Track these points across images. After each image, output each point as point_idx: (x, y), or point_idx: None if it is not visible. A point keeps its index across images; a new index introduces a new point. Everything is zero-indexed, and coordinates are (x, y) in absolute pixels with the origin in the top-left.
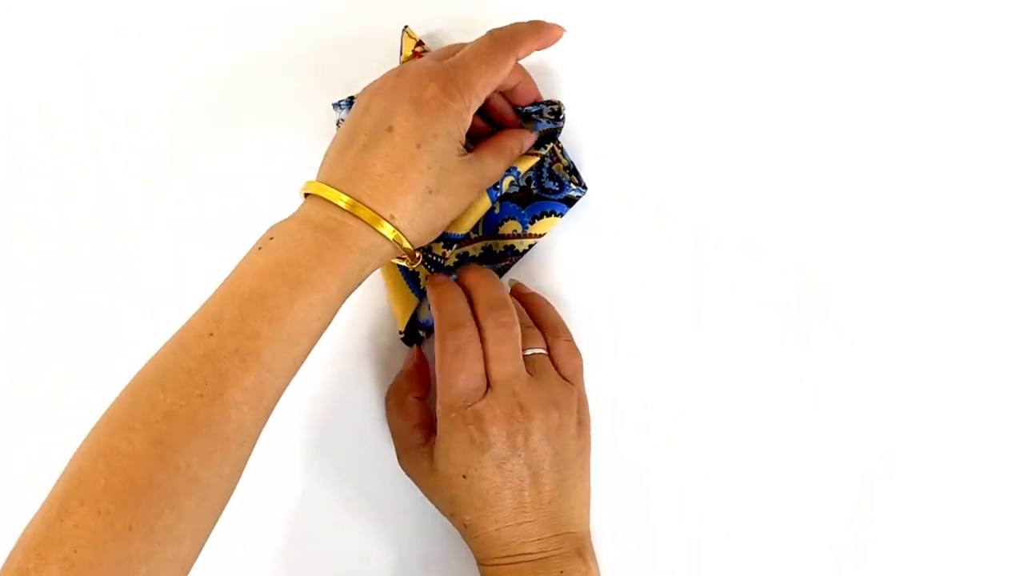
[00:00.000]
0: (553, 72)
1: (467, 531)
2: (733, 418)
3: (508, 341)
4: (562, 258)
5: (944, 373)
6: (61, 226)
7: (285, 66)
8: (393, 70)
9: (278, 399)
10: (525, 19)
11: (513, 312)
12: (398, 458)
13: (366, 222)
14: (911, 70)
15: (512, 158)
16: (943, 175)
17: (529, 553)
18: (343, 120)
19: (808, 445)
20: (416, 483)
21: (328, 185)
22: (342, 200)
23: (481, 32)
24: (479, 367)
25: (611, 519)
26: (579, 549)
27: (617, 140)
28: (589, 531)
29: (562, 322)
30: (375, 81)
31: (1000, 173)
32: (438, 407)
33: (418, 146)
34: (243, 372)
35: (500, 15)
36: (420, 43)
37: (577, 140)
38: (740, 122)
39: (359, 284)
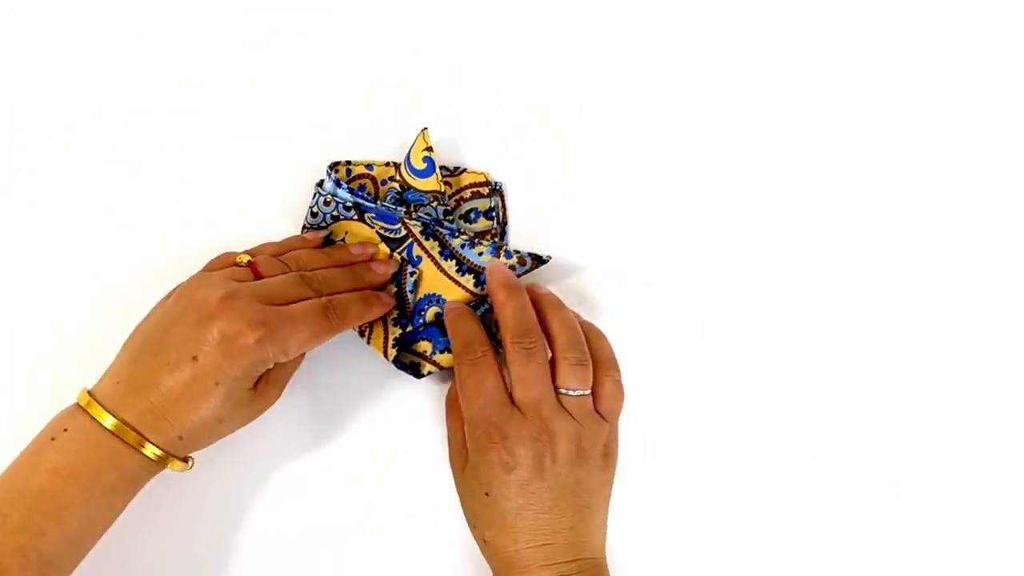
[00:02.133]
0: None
1: (486, 547)
2: (739, 438)
3: (532, 364)
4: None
5: (949, 389)
6: (61, 226)
7: (286, 65)
8: (224, 287)
9: None
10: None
11: (541, 337)
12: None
13: (131, 445)
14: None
15: (334, 319)
16: (938, 216)
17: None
18: (313, 208)
19: (814, 460)
20: (455, 487)
21: (105, 401)
22: (108, 421)
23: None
24: (496, 381)
25: (626, 543)
26: (596, 573)
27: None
28: (605, 557)
29: (614, 359)
30: (201, 286)
31: (999, 174)
32: (465, 425)
33: (216, 384)
34: (24, 569)
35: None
36: (430, 149)
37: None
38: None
39: (151, 478)
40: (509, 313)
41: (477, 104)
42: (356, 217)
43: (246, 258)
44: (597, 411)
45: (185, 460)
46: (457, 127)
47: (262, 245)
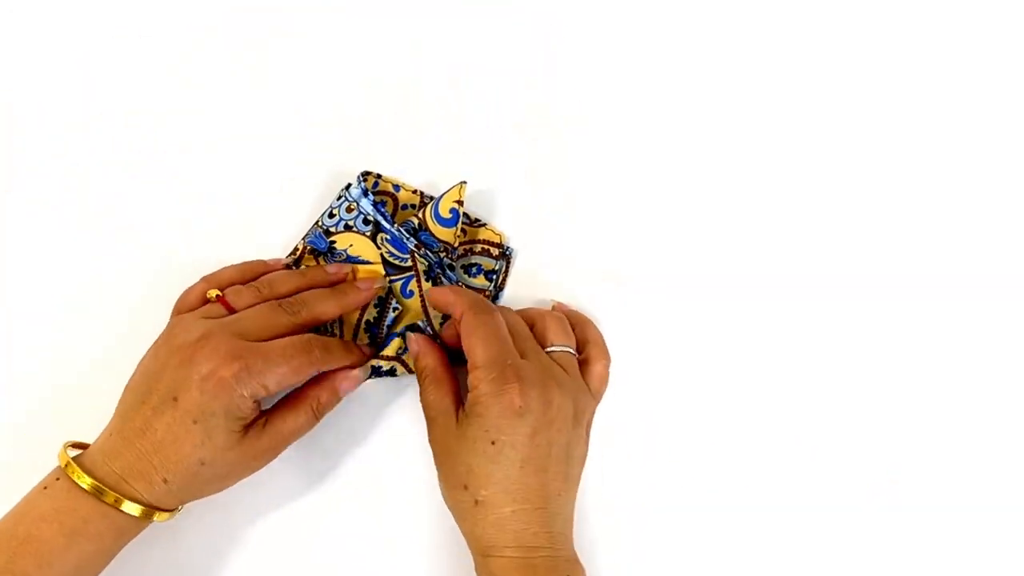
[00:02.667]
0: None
1: (477, 511)
2: (738, 437)
3: (517, 318)
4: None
5: (949, 388)
6: (61, 225)
7: (286, 66)
8: (201, 327)
9: None
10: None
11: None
12: (428, 432)
13: (111, 505)
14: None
15: (318, 408)
16: (935, 216)
17: (541, 547)
18: (333, 209)
19: (813, 460)
20: (436, 457)
21: (95, 455)
22: (85, 483)
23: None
24: (507, 331)
25: (626, 544)
26: (575, 557)
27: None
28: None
29: (605, 345)
30: (180, 330)
31: (996, 174)
32: (476, 371)
33: (195, 422)
34: None
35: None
36: (460, 203)
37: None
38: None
39: (139, 530)
40: (478, 340)
41: (477, 104)
42: (369, 234)
43: (214, 293)
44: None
45: (171, 511)
46: (457, 127)
47: (222, 271)
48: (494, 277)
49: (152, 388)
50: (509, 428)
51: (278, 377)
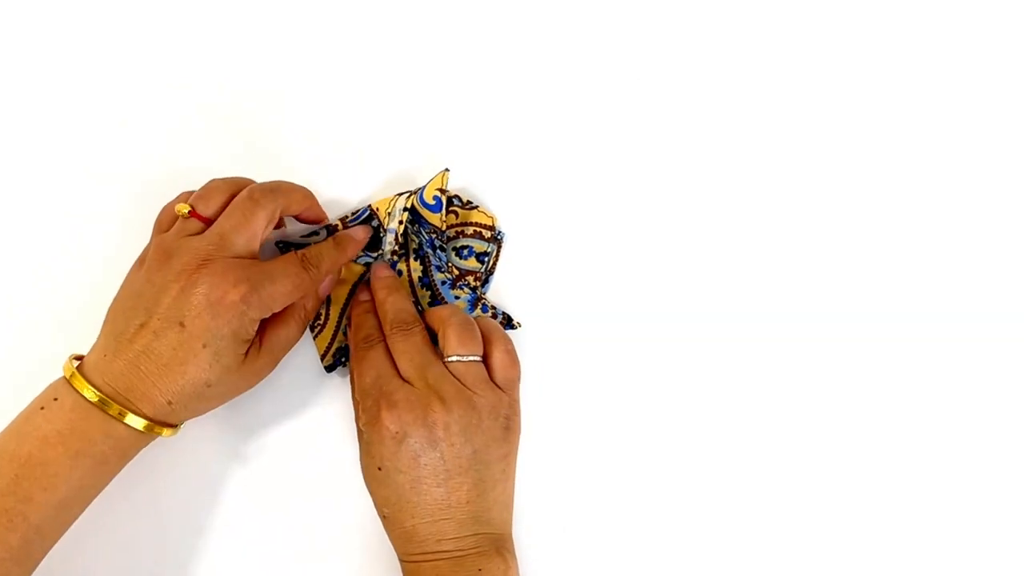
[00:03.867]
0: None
1: (386, 523)
2: (736, 442)
3: (409, 339)
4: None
5: (949, 390)
6: (59, 229)
7: (288, 68)
8: (198, 251)
9: (45, 555)
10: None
11: (418, 323)
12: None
13: (114, 417)
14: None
15: (307, 316)
16: (926, 227)
17: (446, 551)
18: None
19: (813, 463)
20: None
21: (91, 373)
22: (90, 394)
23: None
24: (388, 359)
25: (625, 544)
26: (499, 548)
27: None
28: (511, 533)
29: (501, 330)
30: (175, 251)
31: (995, 177)
32: (355, 402)
33: (204, 346)
34: (9, 532)
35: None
36: (443, 191)
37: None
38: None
39: (142, 446)
40: (388, 307)
41: (471, 91)
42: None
43: (186, 208)
44: (493, 381)
45: (174, 426)
46: (449, 113)
47: (204, 186)
48: (485, 260)
49: (151, 311)
50: (391, 454)
51: (282, 297)
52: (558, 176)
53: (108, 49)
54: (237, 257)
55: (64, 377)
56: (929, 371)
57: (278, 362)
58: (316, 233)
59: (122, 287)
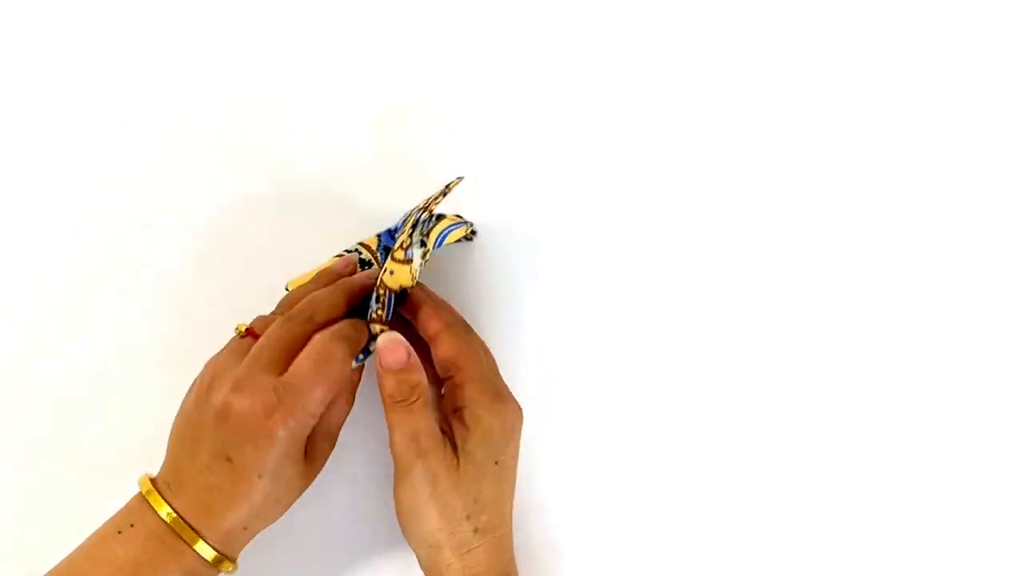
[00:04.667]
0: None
1: (476, 537)
2: (733, 437)
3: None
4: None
5: (948, 387)
6: (59, 229)
7: (288, 68)
8: (230, 376)
9: None
10: None
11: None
12: (412, 473)
13: (186, 542)
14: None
15: (353, 389)
16: (936, 212)
17: (513, 573)
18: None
19: (811, 460)
20: (421, 498)
21: (165, 495)
22: (165, 512)
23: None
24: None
25: (626, 544)
26: None
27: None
28: None
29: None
30: (212, 380)
31: (993, 178)
32: (472, 384)
33: (260, 476)
34: None
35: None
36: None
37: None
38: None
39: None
40: (471, 353)
41: (476, 103)
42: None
43: (243, 328)
44: None
45: (234, 560)
46: (456, 126)
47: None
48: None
49: (198, 445)
50: (506, 447)
51: (318, 401)
52: (557, 175)
53: (108, 49)
54: (265, 374)
55: (140, 494)
56: (942, 371)
57: (335, 441)
58: None
59: (179, 410)
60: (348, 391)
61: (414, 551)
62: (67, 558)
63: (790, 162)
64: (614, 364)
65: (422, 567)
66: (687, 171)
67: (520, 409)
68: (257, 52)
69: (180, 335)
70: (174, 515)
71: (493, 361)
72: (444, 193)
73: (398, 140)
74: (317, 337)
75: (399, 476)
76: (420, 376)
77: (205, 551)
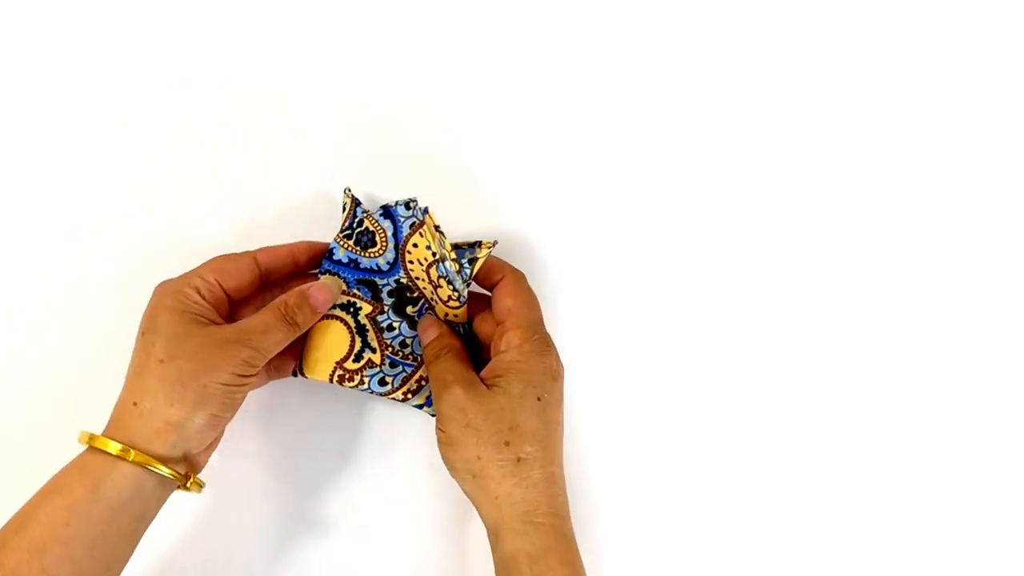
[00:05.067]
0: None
1: (519, 469)
2: (733, 438)
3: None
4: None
5: (948, 387)
6: (59, 229)
7: (288, 68)
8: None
9: None
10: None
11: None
12: (445, 400)
13: (140, 465)
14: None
15: (286, 313)
16: (935, 215)
17: (568, 517)
18: (344, 207)
19: (811, 461)
20: (456, 424)
21: (112, 429)
22: (114, 447)
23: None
24: None
25: (627, 544)
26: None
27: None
28: None
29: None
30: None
31: (993, 178)
32: (519, 329)
33: (143, 333)
34: None
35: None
36: (358, 203)
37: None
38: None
39: (121, 494)
40: (523, 302)
41: (476, 103)
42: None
43: None
44: None
45: (200, 485)
46: (456, 126)
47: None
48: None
49: (153, 343)
50: (551, 387)
51: (211, 273)
52: (556, 175)
53: (108, 49)
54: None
55: (87, 449)
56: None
57: (254, 349)
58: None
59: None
60: (279, 311)
61: (464, 491)
62: (29, 504)
63: (792, 163)
64: (616, 364)
65: (477, 509)
66: (689, 171)
67: (562, 365)
68: (257, 52)
69: None
70: (122, 445)
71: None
72: (472, 260)
73: (398, 140)
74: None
75: (437, 417)
76: (450, 340)
77: (109, 447)
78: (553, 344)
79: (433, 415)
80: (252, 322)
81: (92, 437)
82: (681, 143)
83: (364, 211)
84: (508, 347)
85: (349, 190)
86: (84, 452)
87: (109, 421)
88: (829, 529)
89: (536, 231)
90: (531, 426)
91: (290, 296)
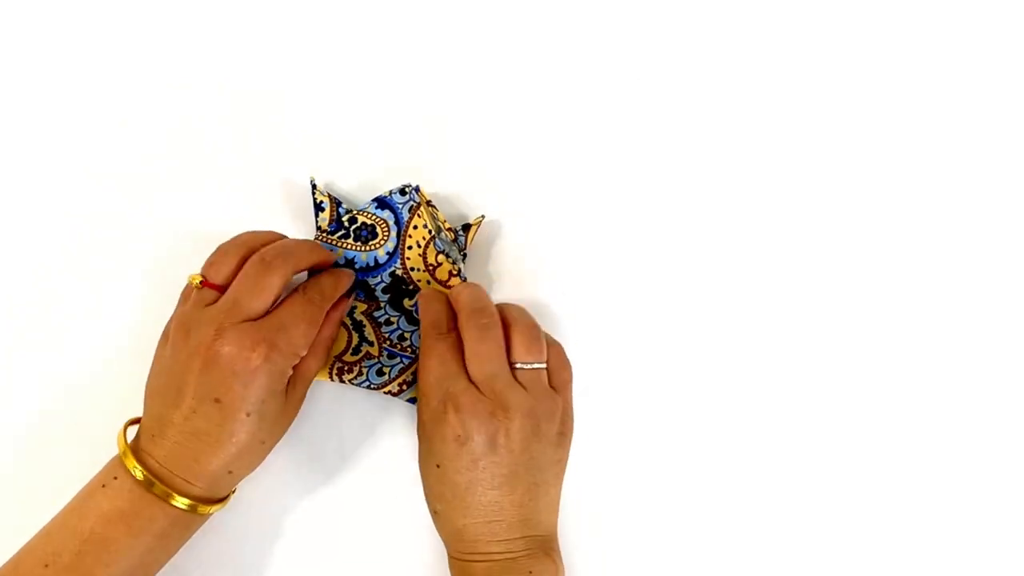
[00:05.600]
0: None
1: (437, 519)
2: (734, 438)
3: (487, 341)
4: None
5: (948, 387)
6: (59, 229)
7: (288, 68)
8: (209, 323)
9: None
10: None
11: (495, 315)
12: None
13: (162, 499)
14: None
15: (328, 344)
16: (935, 216)
17: (496, 553)
18: (319, 206)
19: (812, 461)
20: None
21: (143, 453)
22: (140, 475)
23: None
24: (456, 356)
25: (626, 544)
26: (547, 549)
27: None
28: (556, 534)
29: (550, 335)
30: (190, 328)
31: (993, 179)
32: (420, 396)
33: (247, 415)
34: None
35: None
36: (336, 201)
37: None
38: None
39: (202, 522)
40: (465, 295)
41: (476, 103)
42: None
43: (197, 279)
44: (551, 386)
45: (222, 500)
46: (456, 126)
47: (211, 256)
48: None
49: (183, 391)
50: (452, 455)
51: (301, 339)
52: (556, 175)
53: (108, 49)
54: (250, 320)
55: (118, 453)
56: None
57: (308, 386)
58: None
59: (153, 365)
60: (322, 346)
61: None
62: (57, 515)
63: (793, 161)
64: (620, 364)
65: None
66: (689, 172)
67: (480, 424)
68: (257, 52)
69: None
70: (146, 475)
71: (490, 359)
72: (467, 227)
73: (398, 140)
74: (299, 290)
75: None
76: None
77: (180, 502)
78: (458, 407)
79: None
80: (310, 371)
81: (169, 494)
82: (680, 144)
83: (347, 210)
84: (418, 411)
85: (317, 186)
86: (142, 493)
87: (175, 469)
88: (829, 529)
89: (537, 231)
90: (436, 489)
91: (325, 329)
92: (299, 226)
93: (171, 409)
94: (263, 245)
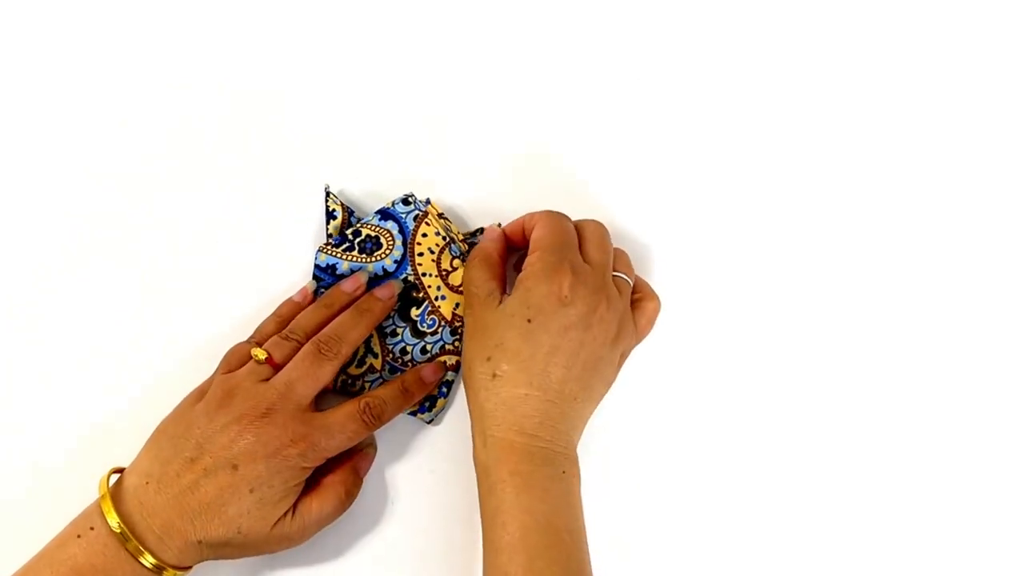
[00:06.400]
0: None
1: (492, 385)
2: (737, 437)
3: (604, 233)
4: None
5: (948, 387)
6: (59, 229)
7: (288, 68)
8: (263, 399)
9: None
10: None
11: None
12: (465, 307)
13: (131, 554)
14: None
15: (345, 496)
16: (935, 217)
17: (541, 437)
18: (331, 214)
19: (813, 461)
20: (468, 330)
21: (128, 499)
22: (115, 525)
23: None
24: (575, 238)
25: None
26: (575, 458)
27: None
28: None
29: (652, 290)
30: (237, 394)
31: (993, 179)
32: (537, 252)
33: (251, 491)
34: None
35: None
36: (348, 210)
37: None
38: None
39: None
40: (547, 229)
41: (477, 103)
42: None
43: (263, 355)
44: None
45: (186, 568)
46: (456, 126)
47: (263, 325)
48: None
49: (203, 448)
50: (549, 312)
51: (337, 447)
52: (559, 176)
53: (108, 49)
54: (299, 408)
55: (98, 499)
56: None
57: (306, 539)
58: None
59: (174, 413)
60: (339, 496)
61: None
62: (29, 562)
63: (794, 159)
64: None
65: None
66: (693, 172)
67: (587, 296)
68: (257, 52)
69: (180, 335)
70: (122, 526)
71: (601, 251)
72: (481, 231)
73: (398, 140)
74: (358, 403)
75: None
76: (486, 245)
77: (147, 560)
78: (575, 272)
79: (427, 422)
80: (312, 515)
81: (140, 551)
82: (681, 143)
83: (357, 219)
84: (526, 265)
85: (332, 193)
86: (116, 551)
87: (154, 523)
88: (829, 530)
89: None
90: (513, 346)
91: (348, 478)
92: (299, 226)
93: (182, 459)
94: (320, 323)
